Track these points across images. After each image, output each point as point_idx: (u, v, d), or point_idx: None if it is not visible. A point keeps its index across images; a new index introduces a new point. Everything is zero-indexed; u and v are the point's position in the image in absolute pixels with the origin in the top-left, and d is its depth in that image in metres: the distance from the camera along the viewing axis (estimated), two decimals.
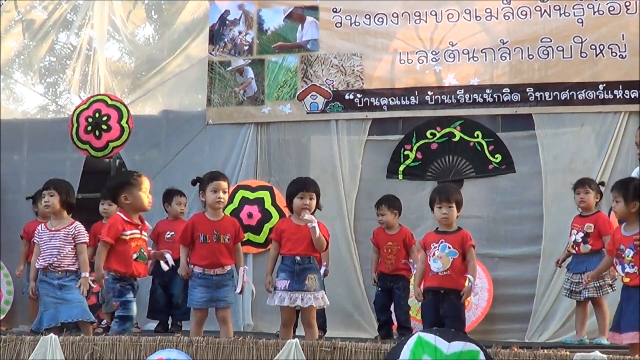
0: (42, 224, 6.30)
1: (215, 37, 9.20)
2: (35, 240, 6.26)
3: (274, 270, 5.89)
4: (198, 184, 6.10)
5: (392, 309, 7.44)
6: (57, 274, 6.04)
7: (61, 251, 6.06)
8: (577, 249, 6.98)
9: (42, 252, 6.10)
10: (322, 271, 6.06)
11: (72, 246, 6.11)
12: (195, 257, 5.92)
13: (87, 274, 6.10)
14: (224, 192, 5.98)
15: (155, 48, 10.64)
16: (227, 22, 9.18)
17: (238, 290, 5.94)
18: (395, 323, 7.44)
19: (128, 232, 5.83)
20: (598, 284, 6.76)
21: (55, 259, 6.04)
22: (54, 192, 6.21)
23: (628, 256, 5.36)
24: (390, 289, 7.39)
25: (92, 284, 6.28)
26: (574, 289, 6.97)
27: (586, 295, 6.84)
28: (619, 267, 5.42)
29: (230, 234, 5.94)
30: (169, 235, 7.81)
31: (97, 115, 8.26)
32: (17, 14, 10.29)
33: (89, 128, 8.26)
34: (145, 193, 5.94)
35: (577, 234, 7.00)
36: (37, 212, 8.17)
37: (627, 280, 5.34)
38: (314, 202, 5.89)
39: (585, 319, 7.05)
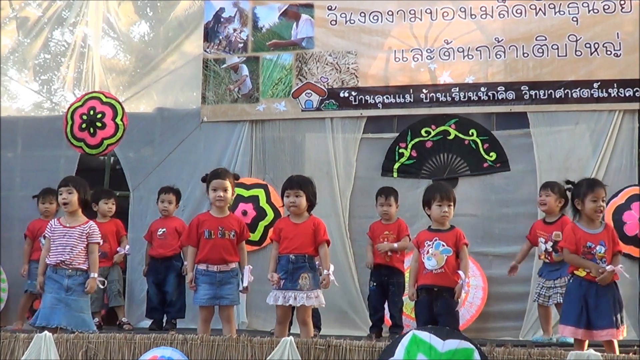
0: (56, 220, 6.25)
1: (209, 34, 9.18)
2: (47, 235, 6.22)
3: (275, 270, 5.92)
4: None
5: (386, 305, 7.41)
6: (68, 272, 6.01)
7: (74, 249, 6.04)
8: (549, 258, 7.03)
9: (55, 249, 6.07)
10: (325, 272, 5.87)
11: (84, 245, 6.09)
12: (199, 254, 5.96)
13: (96, 275, 6.07)
14: (224, 191, 6.02)
15: (149, 45, 10.62)
16: (222, 19, 9.16)
17: (244, 285, 5.95)
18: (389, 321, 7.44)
19: None
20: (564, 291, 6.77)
21: (67, 256, 6.01)
22: (72, 190, 6.18)
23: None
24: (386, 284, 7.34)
25: (100, 285, 6.27)
26: (544, 293, 7.06)
27: (556, 300, 6.89)
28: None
29: (235, 230, 5.99)
30: (161, 232, 7.88)
31: (91, 112, 8.26)
32: (12, 11, 10.25)
33: (84, 125, 8.26)
34: None
35: (545, 243, 7.03)
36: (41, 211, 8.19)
37: None
38: (301, 199, 5.92)
39: (550, 319, 7.18)
